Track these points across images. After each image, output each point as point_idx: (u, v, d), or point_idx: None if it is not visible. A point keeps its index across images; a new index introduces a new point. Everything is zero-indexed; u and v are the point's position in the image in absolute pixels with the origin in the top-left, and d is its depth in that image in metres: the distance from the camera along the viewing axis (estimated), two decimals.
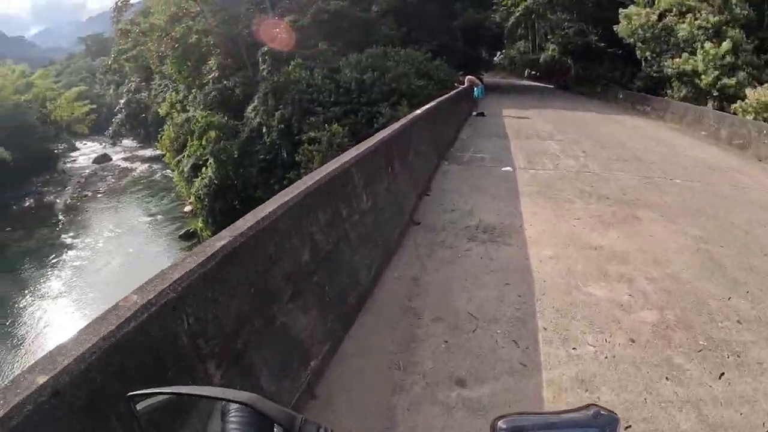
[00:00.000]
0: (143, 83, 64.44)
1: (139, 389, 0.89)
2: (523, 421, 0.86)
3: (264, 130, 30.70)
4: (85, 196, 49.58)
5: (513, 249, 7.47)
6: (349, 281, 5.42)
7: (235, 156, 29.70)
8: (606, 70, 39.68)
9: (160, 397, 0.91)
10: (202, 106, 36.12)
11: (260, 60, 35.47)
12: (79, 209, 45.48)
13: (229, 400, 0.86)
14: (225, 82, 37.02)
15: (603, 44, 41.12)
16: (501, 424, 0.85)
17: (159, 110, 46.05)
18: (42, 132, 56.78)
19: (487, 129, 21.25)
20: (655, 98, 27.84)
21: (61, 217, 43.86)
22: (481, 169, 13.36)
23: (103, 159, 65.52)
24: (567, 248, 7.52)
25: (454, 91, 23.47)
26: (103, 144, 74.11)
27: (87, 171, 60.27)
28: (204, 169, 30.82)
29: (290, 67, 32.23)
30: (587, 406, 0.87)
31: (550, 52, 55.85)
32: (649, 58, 31.67)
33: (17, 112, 51.74)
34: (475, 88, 26.38)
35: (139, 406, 0.90)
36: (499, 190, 10.94)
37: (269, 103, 31.85)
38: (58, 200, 48.73)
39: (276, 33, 35.74)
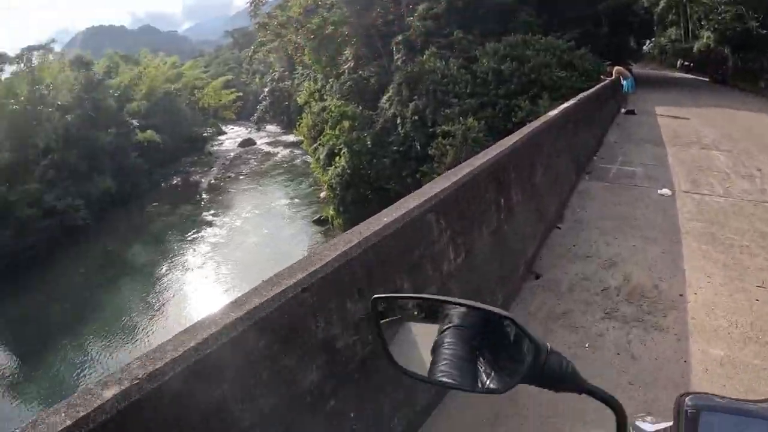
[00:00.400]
0: (286, 72, 67.44)
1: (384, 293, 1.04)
2: (712, 401, 0.82)
3: (398, 121, 30.18)
4: (229, 177, 52.51)
5: (668, 339, 5.12)
6: None
7: (369, 146, 29.62)
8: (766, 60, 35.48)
9: (402, 302, 1.08)
10: (338, 96, 36.47)
11: (394, 49, 35.14)
12: (221, 189, 48.22)
13: (489, 311, 0.90)
14: (360, 72, 37.09)
15: (765, 31, 36.86)
16: (687, 400, 0.82)
17: (298, 99, 47.30)
18: (191, 117, 61.50)
19: (638, 131, 18.92)
20: None
21: (204, 195, 46.86)
22: (631, 190, 10.72)
23: (247, 143, 69.58)
24: (746, 347, 4.94)
25: (600, 85, 21.59)
26: (249, 129, 78.67)
27: (232, 154, 64.04)
28: (338, 158, 31.05)
29: (425, 56, 31.64)
30: None
31: (704, 40, 51.16)
32: None
33: (168, 99, 56.52)
34: (624, 81, 24.28)
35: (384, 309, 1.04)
36: (653, 227, 8.37)
37: (403, 94, 31.21)
38: (203, 180, 52.01)
39: (410, 22, 35.48)
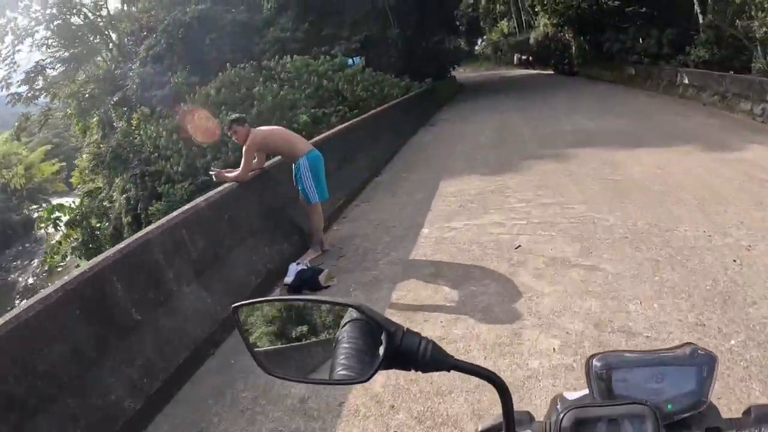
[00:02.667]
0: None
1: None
2: (619, 358, 0.84)
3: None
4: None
5: None
6: None
7: None
8: (628, 39, 25.50)
9: (265, 306, 1.03)
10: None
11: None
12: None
13: (337, 304, 0.88)
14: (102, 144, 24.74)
15: (617, 2, 27.15)
16: (595, 362, 0.84)
17: None
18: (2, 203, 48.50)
19: None
20: None
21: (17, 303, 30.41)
22: None
23: None
24: None
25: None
26: None
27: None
28: None
29: (133, 122, 19.44)
30: (684, 345, 0.84)
31: (541, 28, 41.85)
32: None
33: None
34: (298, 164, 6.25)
35: (243, 316, 0.94)
36: None
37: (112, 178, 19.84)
38: (21, 278, 36.25)
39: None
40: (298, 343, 0.96)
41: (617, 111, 14.92)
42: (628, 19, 26.75)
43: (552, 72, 37.33)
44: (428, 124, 15.50)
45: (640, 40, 23.82)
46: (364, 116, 12.07)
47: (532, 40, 43.68)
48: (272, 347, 0.97)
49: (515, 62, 47.03)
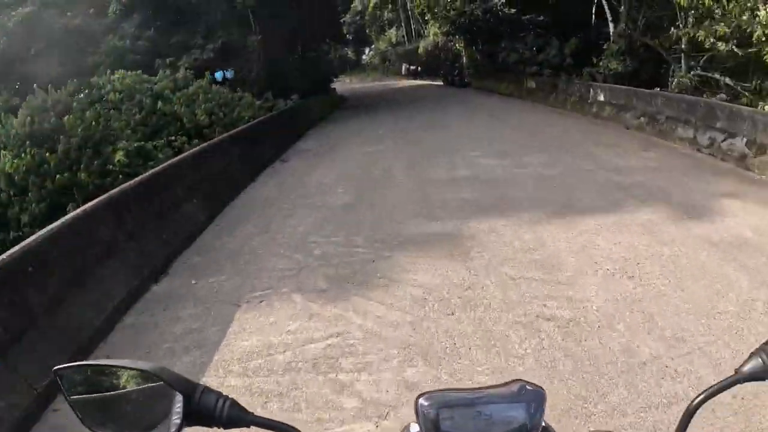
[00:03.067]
0: None
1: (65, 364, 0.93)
2: (446, 397, 0.83)
3: None
4: None
5: None
6: None
7: None
8: (526, 49, 22.58)
9: (85, 370, 0.97)
10: None
11: None
12: None
13: (137, 370, 0.88)
14: None
15: (513, 11, 24.32)
16: (422, 401, 0.82)
17: None
18: None
19: None
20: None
21: None
22: None
23: None
24: None
25: None
26: None
27: None
28: None
29: None
30: (512, 382, 0.84)
31: (431, 37, 38.89)
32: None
33: None
34: None
35: (66, 379, 0.95)
36: None
37: None
38: None
39: None
40: (117, 400, 0.95)
41: (525, 138, 11.42)
42: (525, 28, 23.96)
43: (442, 83, 34.28)
44: (280, 159, 11.26)
45: (538, 50, 20.93)
46: (168, 163, 7.64)
47: (421, 50, 40.65)
48: (97, 409, 0.96)
49: (403, 72, 43.87)
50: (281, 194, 8.23)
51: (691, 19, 12.27)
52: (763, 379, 0.83)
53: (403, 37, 45.18)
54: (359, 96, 29.83)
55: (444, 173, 8.48)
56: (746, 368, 0.83)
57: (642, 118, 11.27)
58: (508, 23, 24.86)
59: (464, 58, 37.88)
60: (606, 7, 16.00)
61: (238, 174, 9.02)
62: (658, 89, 12.63)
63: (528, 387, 0.82)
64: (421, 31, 43.29)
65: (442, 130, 13.33)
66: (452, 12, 27.95)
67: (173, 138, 11.92)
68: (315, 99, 20.42)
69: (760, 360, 0.83)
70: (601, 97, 13.58)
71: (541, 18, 24.44)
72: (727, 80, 12.48)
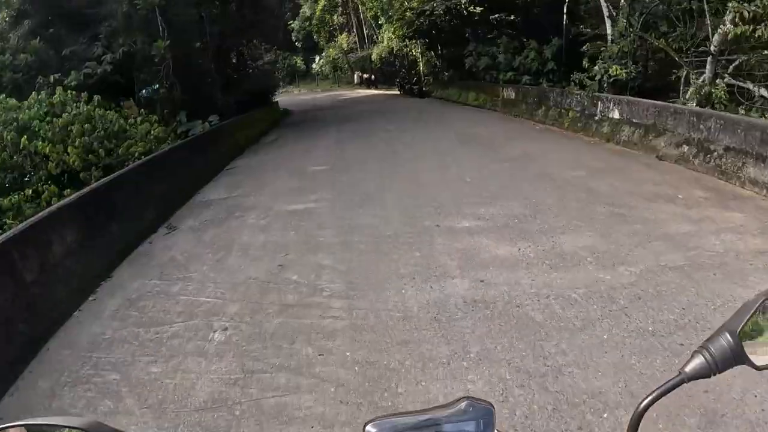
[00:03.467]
0: None
1: None
2: (394, 423, 0.80)
3: None
4: None
5: None
6: None
7: None
8: (498, 52, 19.37)
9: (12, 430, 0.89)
10: None
11: None
12: None
13: (70, 427, 0.84)
14: None
15: (479, 9, 21.25)
16: (370, 428, 0.79)
17: None
18: None
19: None
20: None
21: None
22: None
23: None
24: None
25: None
26: None
27: None
28: None
29: None
30: (459, 400, 0.82)
31: (385, 42, 35.62)
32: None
33: None
34: None
35: None
36: None
37: None
38: None
39: None
40: None
41: (534, 184, 7.60)
42: (493, 30, 20.89)
43: (398, 93, 30.97)
44: (166, 226, 7.43)
45: (513, 53, 17.79)
46: None
47: (375, 57, 37.37)
48: None
49: (356, 81, 40.47)
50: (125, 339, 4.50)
51: (731, 14, 9.15)
52: (707, 376, 0.84)
53: (355, 43, 41.81)
54: (305, 109, 26.20)
55: (413, 279, 4.71)
56: (689, 367, 0.85)
57: (685, 147, 8.04)
58: (474, 24, 21.77)
59: (420, 64, 34.83)
60: (603, 1, 12.87)
61: (75, 275, 5.19)
62: (673, 101, 9.57)
63: (476, 403, 0.80)
64: (375, 37, 40.05)
65: (406, 167, 9.78)
66: (408, 13, 24.73)
67: (38, 186, 8.28)
68: (248, 117, 16.76)
69: (702, 358, 0.84)
70: (616, 114, 10.33)
71: (512, 18, 21.45)
72: (764, 91, 9.49)
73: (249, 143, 14.53)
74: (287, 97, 38.47)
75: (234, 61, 21.77)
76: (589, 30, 13.70)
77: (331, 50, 42.96)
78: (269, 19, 24.02)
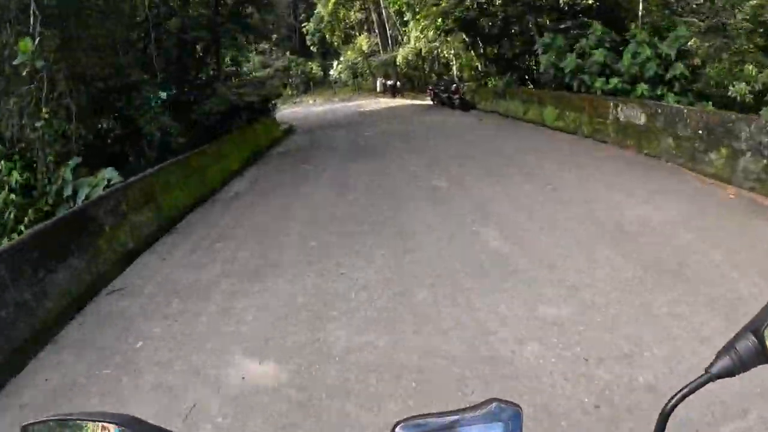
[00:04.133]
0: None
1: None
2: (424, 423, 0.80)
3: None
4: None
5: None
6: None
7: None
8: (580, 46, 13.12)
9: (53, 425, 0.88)
10: None
11: None
12: None
13: (108, 422, 0.84)
14: None
15: None
16: (399, 429, 0.78)
17: None
18: None
19: None
20: None
21: None
22: None
23: None
24: None
25: None
26: None
27: None
28: None
29: None
30: (488, 401, 0.81)
31: (412, 42, 29.77)
32: None
33: None
34: None
35: None
36: None
37: None
38: None
39: None
40: None
41: None
42: (566, 18, 14.85)
43: (431, 103, 24.89)
44: None
45: (613, 52, 11.63)
46: None
47: (400, 60, 31.46)
48: None
49: (378, 89, 34.44)
50: None
51: None
52: (732, 375, 0.85)
53: (377, 44, 35.89)
54: (311, 127, 20.37)
55: None
56: (716, 367, 0.86)
57: None
58: (537, 11, 15.68)
59: (455, 67, 28.86)
60: None
61: None
62: None
63: (503, 405, 0.80)
64: (399, 38, 34.15)
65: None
66: (446, 2, 18.63)
67: None
68: (211, 151, 10.81)
69: (728, 358, 0.85)
70: None
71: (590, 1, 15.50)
72: None
73: (183, 212, 8.34)
74: (300, 108, 32.80)
75: (212, 67, 15.95)
76: None
77: (349, 53, 36.99)
78: (265, 15, 18.21)
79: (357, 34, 37.35)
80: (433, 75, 32.17)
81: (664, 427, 0.86)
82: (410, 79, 32.71)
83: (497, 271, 4.69)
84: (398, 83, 31.80)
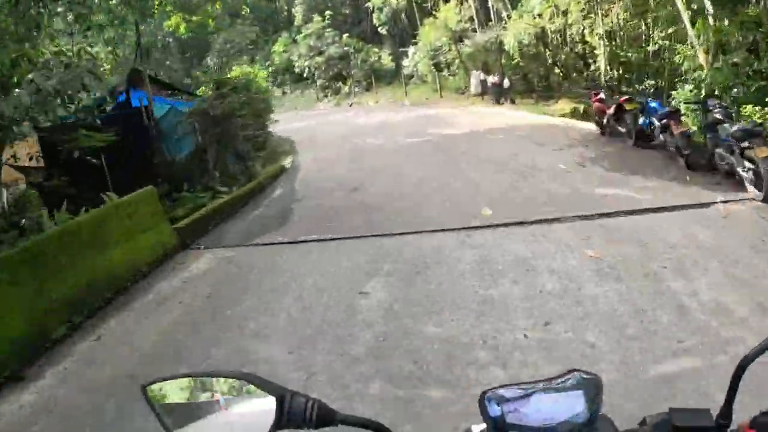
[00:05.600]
0: None
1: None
2: (509, 392, 0.84)
3: None
4: None
5: None
6: None
7: None
8: None
9: (172, 382, 0.96)
10: None
11: None
12: None
13: (226, 377, 0.91)
14: None
15: None
16: (487, 396, 0.84)
17: None
18: None
19: None
20: None
21: None
22: None
23: None
24: None
25: None
26: None
27: None
28: None
29: None
30: (568, 372, 0.85)
31: (528, 17, 17.84)
32: None
33: None
34: None
35: (154, 392, 0.94)
36: None
37: None
38: None
39: None
40: (207, 410, 0.95)
41: None
42: None
43: (598, 131, 12.07)
44: None
45: None
46: None
47: (511, 45, 19.23)
48: (187, 420, 0.95)
49: (474, 90, 22.03)
50: None
51: None
52: None
53: (471, 20, 23.62)
54: (321, 192, 9.02)
55: None
56: None
57: None
58: None
59: (604, 59, 16.58)
60: None
61: None
62: None
63: (585, 376, 0.83)
64: (503, 14, 21.85)
65: None
66: None
67: None
68: None
69: None
70: None
71: None
72: None
73: None
74: (344, 114, 21.53)
75: None
76: None
77: (427, 29, 24.59)
78: None
79: (442, 1, 25.09)
80: (565, 69, 19.80)
81: (739, 380, 0.86)
82: (525, 76, 20.30)
83: None
84: (507, 81, 19.42)
